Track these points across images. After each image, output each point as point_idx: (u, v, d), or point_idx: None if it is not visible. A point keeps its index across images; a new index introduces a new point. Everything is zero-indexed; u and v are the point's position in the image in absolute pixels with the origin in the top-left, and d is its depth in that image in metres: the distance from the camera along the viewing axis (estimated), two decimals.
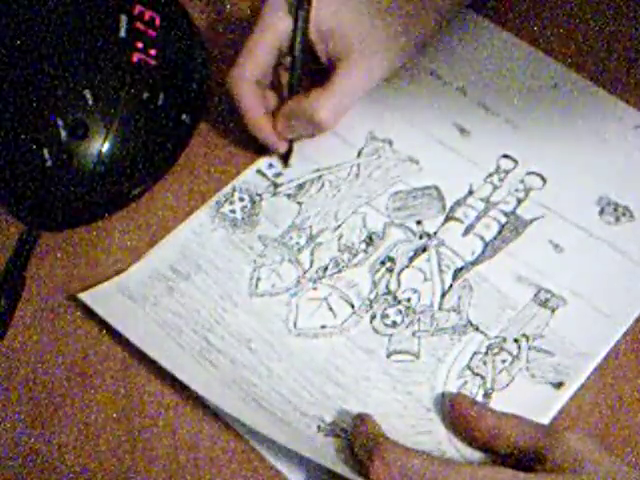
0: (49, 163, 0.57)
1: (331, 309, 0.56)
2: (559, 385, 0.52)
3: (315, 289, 0.56)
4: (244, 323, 0.55)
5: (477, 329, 0.54)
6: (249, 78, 0.59)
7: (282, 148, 0.60)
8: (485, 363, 0.53)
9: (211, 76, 0.64)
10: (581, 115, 0.62)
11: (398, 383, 0.53)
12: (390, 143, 0.61)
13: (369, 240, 0.58)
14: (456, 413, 0.50)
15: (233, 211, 0.60)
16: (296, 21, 0.58)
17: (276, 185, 0.60)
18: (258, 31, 0.59)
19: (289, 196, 0.60)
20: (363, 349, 0.54)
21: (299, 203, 0.60)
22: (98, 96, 0.58)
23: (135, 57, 0.59)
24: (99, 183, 0.58)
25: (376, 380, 0.53)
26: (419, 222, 0.58)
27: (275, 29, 0.59)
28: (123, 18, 0.60)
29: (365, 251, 0.57)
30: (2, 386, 0.55)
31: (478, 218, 0.58)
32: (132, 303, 0.56)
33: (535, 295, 0.55)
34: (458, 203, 0.59)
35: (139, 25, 0.60)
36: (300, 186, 0.60)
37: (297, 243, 0.58)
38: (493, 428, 0.49)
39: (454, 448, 0.50)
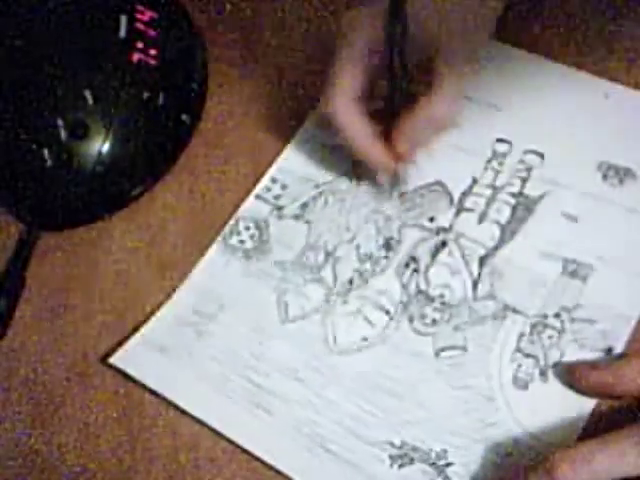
0: (49, 163, 0.57)
1: (367, 320, 0.55)
2: (609, 350, 0.52)
3: (346, 303, 0.56)
4: (284, 353, 0.54)
5: (516, 311, 0.54)
6: (349, 101, 0.55)
7: (399, 167, 0.58)
8: (533, 342, 0.53)
9: (211, 76, 0.64)
10: (556, 90, 0.62)
11: (453, 379, 0.52)
12: None
13: (387, 245, 0.57)
14: (583, 385, 0.51)
15: (242, 241, 0.58)
16: (391, 36, 0.54)
17: (279, 208, 0.60)
18: (346, 49, 0.55)
19: (296, 217, 0.59)
20: (409, 353, 0.54)
21: (307, 222, 0.59)
22: (98, 96, 0.58)
23: (135, 57, 0.59)
24: (99, 183, 0.58)
25: (430, 381, 0.52)
26: (432, 219, 0.58)
27: (365, 43, 0.55)
28: (123, 18, 0.60)
29: (386, 257, 0.57)
30: (2, 386, 0.55)
31: (488, 204, 0.58)
32: (165, 357, 0.54)
33: (563, 268, 0.55)
34: (465, 194, 0.59)
35: (139, 25, 0.60)
36: (304, 205, 0.60)
37: (315, 262, 0.57)
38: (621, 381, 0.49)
39: (526, 433, 0.50)
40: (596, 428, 0.50)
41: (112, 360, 0.54)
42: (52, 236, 0.60)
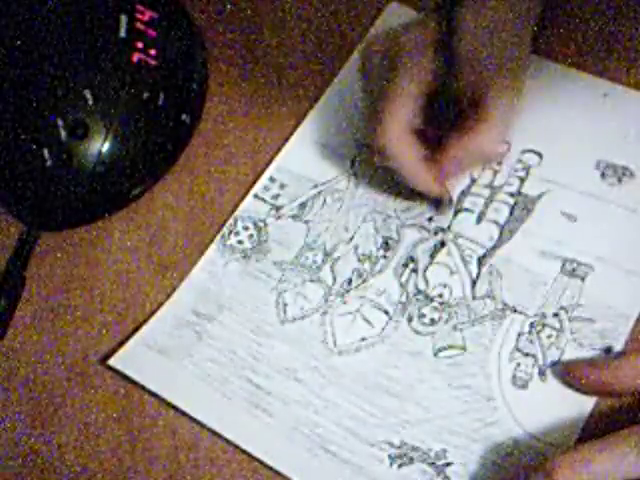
0: (49, 163, 0.57)
1: (366, 320, 0.55)
2: (608, 349, 0.52)
3: (345, 303, 0.56)
4: (283, 353, 0.54)
5: (515, 310, 0.54)
6: (403, 130, 0.55)
7: (448, 192, 0.57)
8: (532, 342, 0.53)
9: (211, 76, 0.64)
10: (554, 90, 0.62)
11: (452, 379, 0.53)
12: None
13: (386, 245, 0.57)
14: (581, 384, 0.51)
15: (241, 242, 0.58)
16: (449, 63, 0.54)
17: (277, 208, 0.59)
18: (402, 77, 0.55)
19: (294, 217, 0.59)
20: (409, 353, 0.54)
21: (306, 222, 0.59)
22: (98, 96, 0.58)
23: (135, 57, 0.59)
24: (99, 183, 0.58)
25: (430, 381, 0.53)
26: (430, 219, 0.58)
27: (419, 72, 0.55)
28: (123, 18, 0.60)
29: (384, 257, 0.57)
30: (2, 386, 0.55)
31: (487, 204, 0.58)
32: (165, 358, 0.54)
33: (562, 267, 0.55)
34: (463, 194, 0.59)
35: (139, 25, 0.60)
36: (302, 205, 0.59)
37: (314, 262, 0.57)
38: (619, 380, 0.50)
39: (525, 432, 0.50)
40: (596, 428, 0.50)
41: (111, 362, 0.54)
42: (52, 236, 0.60)
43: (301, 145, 0.62)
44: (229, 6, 0.69)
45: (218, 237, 0.59)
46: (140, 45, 0.59)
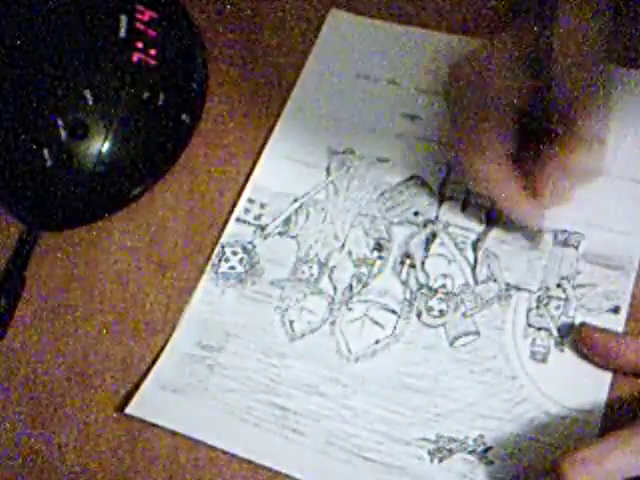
0: (49, 163, 0.57)
1: (376, 322, 0.55)
2: (616, 309, 0.53)
3: (350, 310, 0.55)
4: (300, 370, 0.54)
5: (519, 288, 0.55)
6: (503, 156, 0.54)
7: (544, 220, 0.56)
8: (542, 316, 0.54)
9: (211, 76, 0.64)
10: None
11: (473, 365, 0.53)
12: (352, 152, 0.61)
13: (378, 246, 0.57)
14: (591, 350, 0.51)
15: (232, 267, 0.58)
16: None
17: (262, 228, 0.59)
18: (496, 100, 0.54)
19: (280, 234, 0.59)
20: (425, 347, 0.54)
21: (294, 237, 0.58)
22: (98, 96, 0.58)
23: (135, 57, 0.59)
24: (99, 183, 0.58)
25: (452, 371, 0.53)
26: (416, 213, 0.58)
27: (513, 92, 0.54)
28: (123, 18, 0.60)
29: (380, 257, 0.57)
30: (2, 386, 0.55)
31: (468, 190, 0.58)
32: (182, 397, 0.53)
33: (555, 239, 0.56)
34: (444, 183, 0.59)
35: (139, 25, 0.60)
36: (286, 221, 0.59)
37: (311, 275, 0.57)
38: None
39: (555, 403, 0.51)
40: (622, 393, 0.51)
41: (129, 410, 0.53)
42: (52, 236, 0.60)
43: (273, 161, 0.61)
44: (229, 6, 0.69)
45: (209, 267, 0.58)
46: (140, 45, 0.59)
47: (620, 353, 0.50)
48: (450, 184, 0.59)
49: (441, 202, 0.58)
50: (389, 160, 0.60)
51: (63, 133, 0.57)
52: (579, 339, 0.52)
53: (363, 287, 0.56)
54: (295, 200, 0.60)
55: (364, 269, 0.57)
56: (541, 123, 0.55)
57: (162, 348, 0.55)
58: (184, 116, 0.61)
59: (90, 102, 0.58)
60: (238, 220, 0.59)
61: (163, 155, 0.61)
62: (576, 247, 0.55)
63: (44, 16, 0.60)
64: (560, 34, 0.53)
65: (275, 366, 0.54)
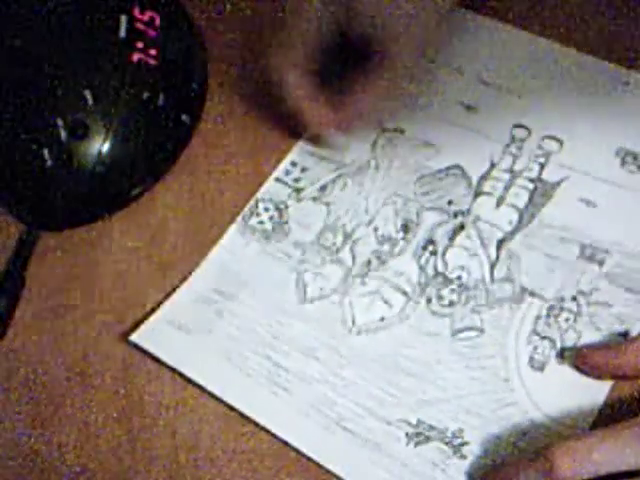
0: (49, 163, 0.57)
1: (385, 300, 0.55)
2: (625, 334, 0.53)
3: (364, 284, 0.56)
4: (303, 333, 0.55)
5: (533, 294, 0.55)
6: (298, 62, 0.59)
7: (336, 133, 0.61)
8: (550, 325, 0.54)
9: (211, 76, 0.64)
10: (576, 77, 0.63)
11: (470, 360, 0.53)
12: (402, 132, 0.62)
13: (405, 228, 0.58)
14: (592, 370, 0.51)
15: (261, 222, 0.59)
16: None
17: (298, 190, 0.60)
18: (296, 20, 0.59)
19: (314, 199, 0.60)
20: (427, 333, 0.54)
21: (326, 204, 0.59)
22: (98, 96, 0.58)
23: (135, 57, 0.59)
24: (99, 183, 0.58)
25: (447, 362, 0.53)
26: (450, 202, 0.59)
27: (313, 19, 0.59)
28: (123, 18, 0.60)
29: (404, 239, 0.58)
30: (2, 386, 0.55)
31: (506, 189, 0.59)
32: (185, 334, 0.55)
33: (580, 252, 0.56)
34: (484, 177, 0.59)
35: (139, 25, 0.60)
36: (323, 188, 0.60)
37: (334, 243, 0.58)
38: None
39: (542, 413, 0.51)
40: (612, 411, 0.50)
41: (133, 338, 0.54)
42: (52, 236, 0.60)
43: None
44: (229, 6, 0.69)
45: (239, 217, 0.59)
46: (140, 45, 0.59)
47: (622, 364, 0.50)
48: (490, 180, 0.59)
49: (476, 196, 0.59)
50: (435, 145, 0.61)
51: (63, 133, 0.57)
52: (580, 363, 0.52)
53: (381, 264, 0.57)
54: (336, 169, 0.61)
55: (386, 247, 0.57)
56: (357, 44, 0.58)
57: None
58: (184, 116, 0.61)
59: (90, 102, 0.58)
60: (277, 180, 0.61)
61: (163, 155, 0.61)
62: (600, 264, 0.55)
63: (44, 16, 0.60)
64: None
65: (280, 323, 0.55)
